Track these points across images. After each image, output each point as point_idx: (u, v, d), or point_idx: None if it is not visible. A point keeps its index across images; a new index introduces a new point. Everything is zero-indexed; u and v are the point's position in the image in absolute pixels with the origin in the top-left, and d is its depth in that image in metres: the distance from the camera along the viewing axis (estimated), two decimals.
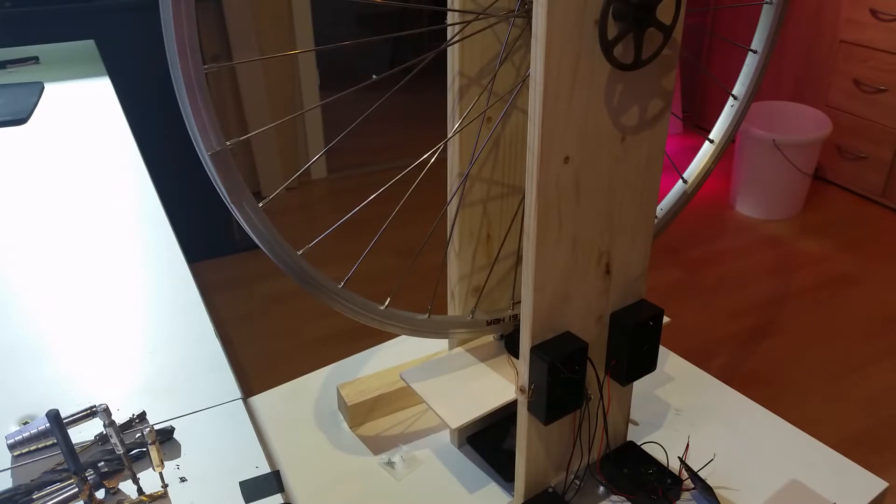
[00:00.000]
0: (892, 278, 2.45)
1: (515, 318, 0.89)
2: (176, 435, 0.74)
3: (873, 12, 2.68)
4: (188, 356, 0.87)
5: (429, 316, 0.81)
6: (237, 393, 0.80)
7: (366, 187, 3.09)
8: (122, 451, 0.66)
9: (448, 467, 0.88)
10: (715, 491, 0.83)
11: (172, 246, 1.08)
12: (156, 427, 0.74)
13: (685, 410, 0.96)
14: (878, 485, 0.85)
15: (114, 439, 0.64)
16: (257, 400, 0.97)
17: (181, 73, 0.58)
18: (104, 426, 0.64)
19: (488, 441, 0.90)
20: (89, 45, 2.02)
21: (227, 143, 0.61)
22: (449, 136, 0.81)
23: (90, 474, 0.67)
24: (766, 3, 0.90)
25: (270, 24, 2.85)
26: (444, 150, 0.81)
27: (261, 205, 0.64)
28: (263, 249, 0.66)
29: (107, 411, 0.63)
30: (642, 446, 0.87)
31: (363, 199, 0.73)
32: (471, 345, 0.92)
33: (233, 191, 0.62)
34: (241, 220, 0.63)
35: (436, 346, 0.96)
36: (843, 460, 0.89)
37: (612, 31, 0.62)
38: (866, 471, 0.87)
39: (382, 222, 0.80)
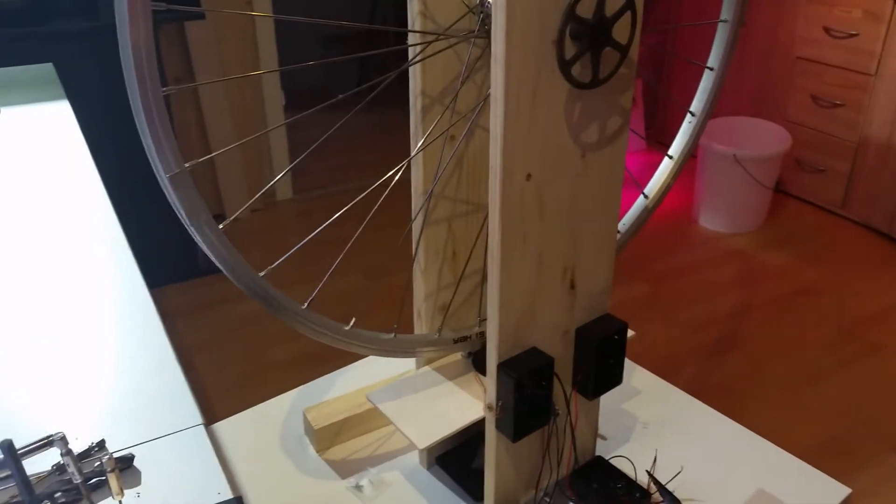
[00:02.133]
0: (853, 288, 2.50)
1: (482, 336, 0.89)
2: (136, 462, 0.73)
3: (826, 30, 2.76)
4: (149, 382, 0.85)
5: (395, 335, 0.81)
6: (198, 419, 0.79)
7: (333, 208, 3.06)
8: (79, 481, 0.64)
9: (417, 489, 0.87)
10: (683, 503, 0.83)
11: (133, 271, 1.06)
12: (115, 455, 0.72)
13: (652, 423, 0.97)
14: (842, 491, 0.87)
15: (71, 468, 0.63)
16: (221, 426, 0.95)
17: (139, 96, 0.57)
18: (61, 455, 0.62)
19: (458, 461, 0.90)
20: (47, 68, 1.99)
21: (186, 164, 0.60)
22: (412, 154, 0.81)
23: None
24: (722, 21, 0.92)
25: (234, 46, 2.85)
26: (408, 168, 0.82)
27: (221, 227, 0.63)
28: (224, 272, 0.65)
29: (64, 440, 0.62)
30: (611, 461, 0.87)
31: (330, 220, 0.72)
32: (438, 364, 0.91)
33: (192, 213, 0.61)
34: (201, 242, 0.63)
35: (403, 366, 0.95)
36: (808, 468, 0.90)
37: (570, 50, 0.63)
38: (830, 478, 0.88)
39: (350, 242, 0.80)
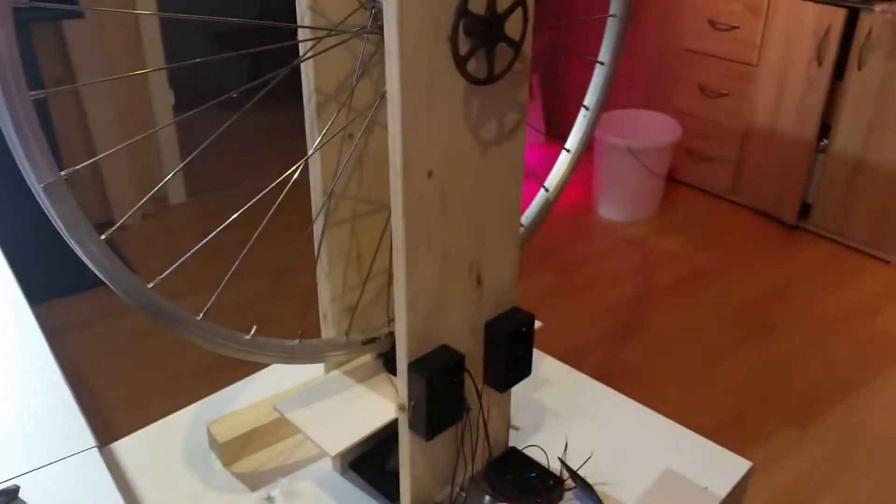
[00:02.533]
0: (744, 270, 2.63)
1: (391, 336, 0.87)
2: (22, 494, 0.67)
3: (711, 22, 2.89)
4: (34, 406, 0.79)
5: (300, 341, 0.79)
6: (91, 441, 0.74)
7: (231, 210, 2.96)
8: None
9: (332, 496, 0.85)
10: (595, 487, 0.85)
11: (11, 286, 0.99)
12: None
13: (563, 411, 0.98)
14: (743, 465, 0.91)
15: None
16: (120, 445, 0.90)
17: (3, 100, 0.53)
18: None
19: (372, 464, 0.88)
20: None
21: (62, 173, 0.56)
22: (309, 153, 0.78)
23: None
24: (611, 16, 0.94)
25: (117, 45, 2.71)
26: (307, 168, 0.79)
27: (103, 236, 0.59)
28: (108, 285, 0.61)
29: None
30: (524, 451, 0.88)
31: (224, 224, 0.69)
32: (348, 367, 0.90)
33: (70, 224, 0.57)
34: (81, 254, 0.58)
35: (312, 371, 0.93)
36: (712, 446, 0.93)
37: (464, 46, 0.63)
38: (733, 453, 0.92)
39: (246, 247, 0.77)
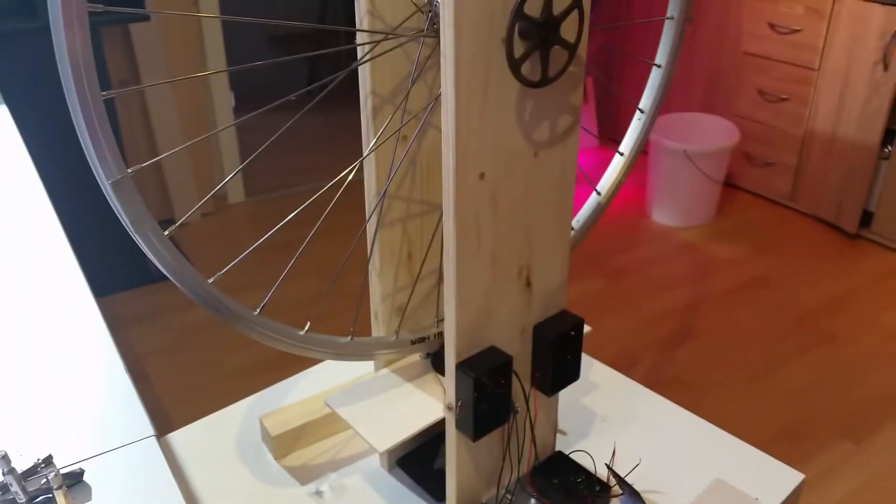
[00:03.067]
0: (803, 278, 2.56)
1: (440, 336, 0.88)
2: (86, 477, 0.70)
3: (771, 26, 2.82)
4: (97, 394, 0.83)
5: (352, 338, 0.80)
6: (150, 430, 0.77)
7: (287, 210, 3.02)
8: (23, 500, 0.61)
9: (378, 492, 0.87)
10: (642, 495, 0.84)
11: (78, 279, 1.03)
12: (63, 471, 0.70)
13: (611, 417, 0.98)
14: (796, 477, 0.89)
15: (14, 487, 0.60)
16: (176, 436, 0.93)
17: (77, 101, 0.55)
18: (3, 474, 0.60)
19: (419, 462, 0.89)
20: None
21: (129, 170, 0.58)
22: (364, 154, 0.80)
23: None
24: (668, 18, 0.93)
25: (180, 47, 2.79)
26: (361, 169, 0.81)
27: (167, 232, 0.61)
28: (171, 279, 0.63)
29: (5, 458, 0.59)
30: (571, 455, 0.88)
31: (281, 223, 0.71)
32: (397, 365, 0.91)
33: (136, 220, 0.59)
34: (146, 249, 0.61)
35: (361, 369, 0.94)
36: (763, 457, 0.91)
37: (519, 49, 0.63)
38: (785, 465, 0.90)
39: (303, 245, 0.79)
